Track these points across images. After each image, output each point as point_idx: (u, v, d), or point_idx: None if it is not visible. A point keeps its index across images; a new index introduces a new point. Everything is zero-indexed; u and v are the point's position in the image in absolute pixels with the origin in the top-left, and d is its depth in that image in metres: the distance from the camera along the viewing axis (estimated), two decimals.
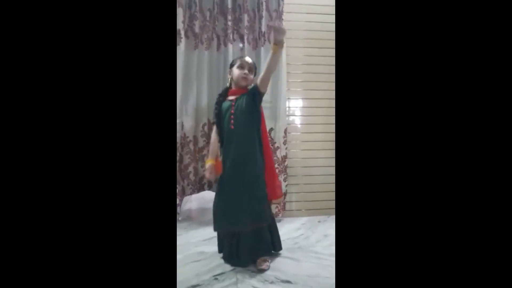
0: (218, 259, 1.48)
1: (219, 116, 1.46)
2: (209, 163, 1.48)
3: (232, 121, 1.40)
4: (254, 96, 1.41)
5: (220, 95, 1.50)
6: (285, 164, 2.20)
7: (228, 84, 1.52)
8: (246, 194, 1.36)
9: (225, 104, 1.46)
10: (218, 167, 1.46)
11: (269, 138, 2.10)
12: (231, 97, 1.46)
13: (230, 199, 1.38)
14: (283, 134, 2.19)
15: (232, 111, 1.41)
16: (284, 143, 2.19)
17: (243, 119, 1.40)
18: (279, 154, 2.18)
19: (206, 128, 2.20)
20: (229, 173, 1.40)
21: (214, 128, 1.51)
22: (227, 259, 1.45)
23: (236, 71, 1.45)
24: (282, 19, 2.17)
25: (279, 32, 1.26)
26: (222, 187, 1.42)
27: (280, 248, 1.55)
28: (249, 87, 1.47)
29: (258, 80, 1.39)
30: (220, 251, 1.51)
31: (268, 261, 1.41)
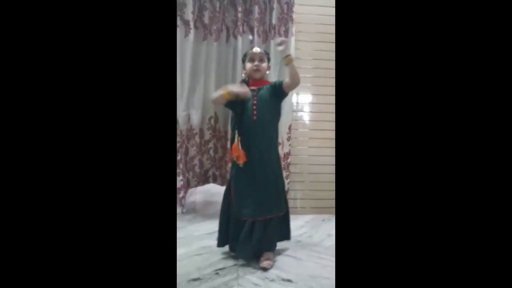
0: (220, 254, 1.48)
1: (242, 105, 1.43)
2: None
3: (254, 111, 1.41)
4: (276, 92, 1.44)
5: (241, 83, 1.48)
6: (288, 161, 2.17)
7: (244, 78, 1.51)
8: (268, 185, 1.41)
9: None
10: (242, 155, 1.40)
11: None
12: (252, 87, 1.45)
13: (253, 188, 1.40)
14: (287, 130, 2.15)
15: (255, 101, 1.42)
16: (288, 139, 2.16)
17: (266, 111, 1.42)
18: (282, 150, 2.13)
19: (212, 121, 2.18)
20: (251, 163, 1.39)
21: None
22: (234, 248, 1.45)
23: (248, 65, 1.48)
24: (293, 11, 2.12)
25: (281, 44, 1.31)
26: (242, 177, 1.42)
27: (289, 238, 1.57)
28: (270, 80, 1.51)
29: (285, 82, 1.41)
30: (219, 245, 1.50)
31: (271, 259, 1.41)
